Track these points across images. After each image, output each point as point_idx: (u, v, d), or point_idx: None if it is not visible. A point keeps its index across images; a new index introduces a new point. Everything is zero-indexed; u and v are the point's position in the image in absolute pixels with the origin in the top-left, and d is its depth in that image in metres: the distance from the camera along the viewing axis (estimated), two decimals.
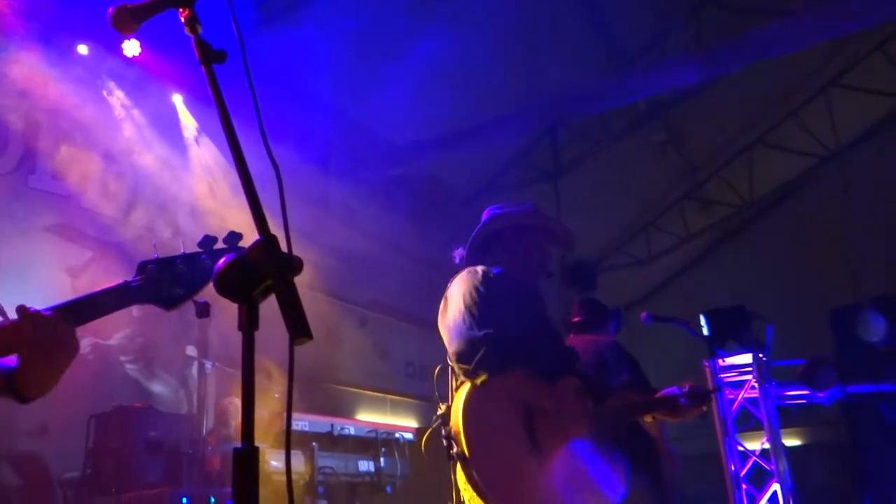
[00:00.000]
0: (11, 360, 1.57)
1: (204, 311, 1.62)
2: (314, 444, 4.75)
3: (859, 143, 8.76)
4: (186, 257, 1.58)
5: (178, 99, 5.80)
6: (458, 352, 2.53)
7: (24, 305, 1.51)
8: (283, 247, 1.19)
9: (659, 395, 2.89)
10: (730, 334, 4.35)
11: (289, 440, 1.18)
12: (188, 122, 5.80)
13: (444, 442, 2.46)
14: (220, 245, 1.59)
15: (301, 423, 4.73)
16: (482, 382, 2.48)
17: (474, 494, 2.42)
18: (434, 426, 2.56)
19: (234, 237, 1.57)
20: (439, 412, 2.55)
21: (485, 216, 2.93)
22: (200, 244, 1.58)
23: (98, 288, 1.58)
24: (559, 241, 2.97)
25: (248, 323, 1.15)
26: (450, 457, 2.44)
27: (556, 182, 7.63)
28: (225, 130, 1.25)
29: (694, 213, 10.29)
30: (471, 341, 2.50)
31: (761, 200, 9.73)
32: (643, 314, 3.71)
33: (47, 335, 1.50)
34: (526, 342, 2.59)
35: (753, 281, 8.15)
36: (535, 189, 8.24)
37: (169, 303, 1.58)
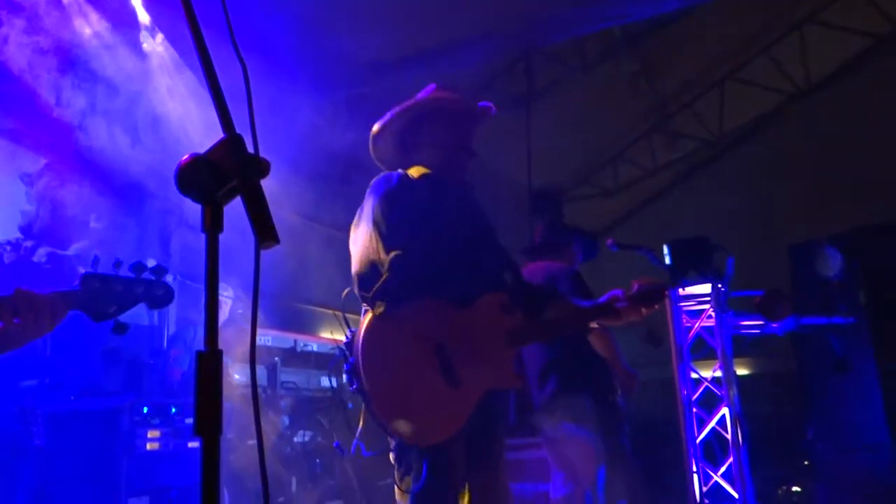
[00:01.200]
0: None
1: (121, 329, 1.77)
2: (276, 359, 4.77)
3: (829, 82, 8.80)
4: (123, 281, 1.77)
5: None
6: (359, 275, 2.31)
7: (22, 290, 1.63)
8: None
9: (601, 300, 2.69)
10: (691, 264, 4.40)
11: (253, 348, 1.16)
12: (144, 19, 5.53)
13: (346, 377, 2.26)
14: (146, 274, 1.78)
15: (264, 338, 4.75)
16: (382, 313, 2.24)
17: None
18: (332, 361, 2.39)
19: (161, 271, 1.81)
20: (345, 341, 2.32)
21: (388, 115, 2.62)
22: (132, 269, 1.78)
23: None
24: (470, 115, 2.63)
25: (212, 225, 1.11)
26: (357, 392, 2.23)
27: (527, 108, 7.52)
28: (187, 19, 1.18)
29: (662, 146, 10.31)
30: (373, 265, 2.28)
31: (729, 135, 9.78)
32: (608, 241, 3.71)
33: (46, 321, 1.65)
34: (439, 263, 2.37)
35: (718, 214, 8.26)
36: (505, 115, 8.13)
37: (100, 317, 1.76)
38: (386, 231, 2.32)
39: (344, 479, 4.69)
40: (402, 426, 2.17)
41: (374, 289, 2.25)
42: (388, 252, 2.26)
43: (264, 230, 1.08)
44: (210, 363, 1.08)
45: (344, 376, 2.32)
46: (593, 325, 2.89)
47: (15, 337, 1.68)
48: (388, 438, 2.28)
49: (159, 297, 1.81)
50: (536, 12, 7.06)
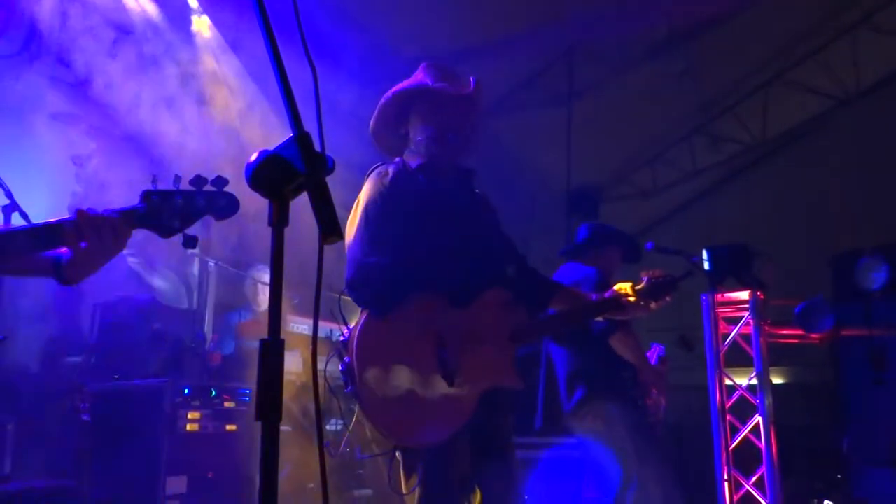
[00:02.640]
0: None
1: (191, 242, 1.78)
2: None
3: (880, 88, 8.59)
4: (183, 194, 1.75)
5: None
6: (350, 278, 2.23)
7: (83, 211, 1.67)
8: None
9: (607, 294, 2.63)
10: (731, 271, 4.37)
11: (315, 336, 1.20)
12: (193, 3, 5.63)
13: (342, 378, 2.21)
14: (208, 187, 1.77)
15: (301, 326, 4.81)
16: (376, 314, 2.20)
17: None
18: (328, 360, 2.25)
19: (221, 181, 1.77)
20: (341, 339, 2.25)
21: (379, 105, 2.51)
22: (192, 182, 1.76)
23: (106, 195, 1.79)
24: (457, 97, 2.47)
25: (279, 220, 1.15)
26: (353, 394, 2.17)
27: (569, 106, 7.47)
28: (261, 20, 1.22)
29: (703, 149, 10.17)
30: (362, 267, 2.21)
31: (773, 140, 9.62)
32: (647, 244, 3.68)
33: (110, 238, 1.67)
34: (436, 260, 2.29)
35: (757, 221, 8.15)
36: (548, 112, 8.11)
37: (166, 232, 1.76)
38: (376, 231, 2.25)
39: (374, 468, 4.75)
40: (401, 428, 2.14)
41: (365, 295, 2.20)
42: (377, 254, 2.20)
43: (330, 225, 1.12)
44: (273, 352, 1.12)
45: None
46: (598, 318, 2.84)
47: (85, 261, 1.73)
48: (388, 440, 2.22)
49: (222, 206, 1.78)
50: (579, 9, 7.02)
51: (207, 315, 4.71)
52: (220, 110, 5.46)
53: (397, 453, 2.25)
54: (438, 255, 2.30)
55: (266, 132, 5.30)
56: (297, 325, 4.76)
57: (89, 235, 1.65)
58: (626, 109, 8.57)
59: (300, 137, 1.14)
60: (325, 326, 5.21)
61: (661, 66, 8.43)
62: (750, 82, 9.23)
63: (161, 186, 1.76)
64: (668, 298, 2.67)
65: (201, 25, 5.64)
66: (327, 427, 4.63)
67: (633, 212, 10.39)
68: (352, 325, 2.25)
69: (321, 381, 1.64)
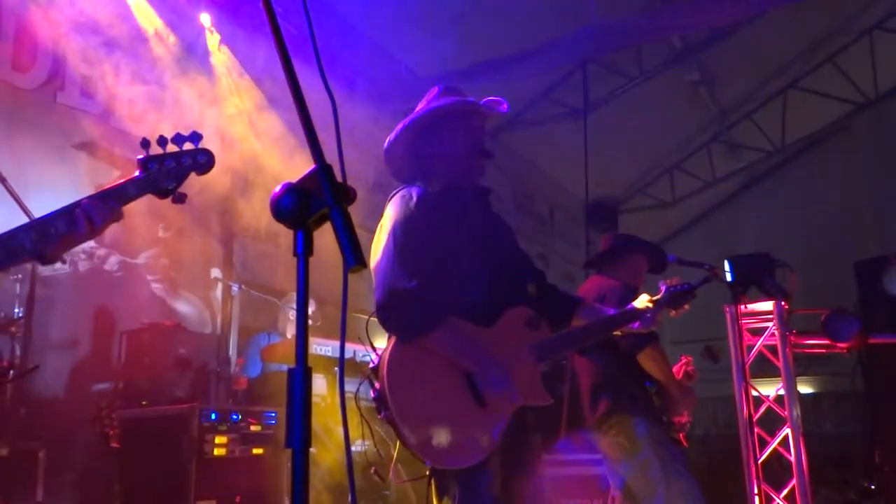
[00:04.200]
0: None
1: (181, 198, 1.97)
2: (336, 369, 4.86)
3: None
4: (172, 156, 1.94)
5: (205, 18, 5.71)
6: (383, 304, 2.19)
7: (86, 202, 1.82)
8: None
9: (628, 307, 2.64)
10: (754, 281, 4.33)
11: (342, 363, 1.22)
12: (214, 42, 5.73)
13: (375, 403, 2.17)
14: (186, 143, 1.94)
15: (324, 348, 4.83)
16: (406, 338, 2.18)
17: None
18: (360, 384, 2.21)
19: (196, 136, 1.95)
20: (371, 365, 2.22)
21: (397, 128, 2.48)
22: (174, 141, 1.93)
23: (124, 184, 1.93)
24: (478, 115, 2.49)
25: (304, 249, 1.18)
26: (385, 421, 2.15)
27: (585, 118, 7.48)
28: (280, 55, 1.24)
29: (721, 157, 10.14)
30: (395, 293, 2.18)
31: (791, 146, 9.57)
32: (670, 256, 3.66)
33: (108, 223, 1.85)
34: (461, 283, 2.29)
35: (778, 228, 8.09)
36: (564, 126, 8.13)
37: (164, 194, 1.93)
38: (408, 256, 2.22)
39: (401, 490, 4.74)
40: (435, 450, 2.13)
41: (399, 322, 2.19)
42: (408, 278, 2.18)
43: (354, 255, 1.14)
44: (301, 379, 1.14)
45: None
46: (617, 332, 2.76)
47: (72, 243, 1.89)
48: (423, 463, 2.20)
49: (203, 162, 1.97)
50: (593, 22, 7.05)
51: (232, 339, 4.76)
52: (240, 140, 5.54)
53: (431, 475, 2.25)
54: (465, 276, 2.31)
55: (286, 162, 5.36)
56: (321, 347, 4.77)
57: (95, 221, 1.80)
58: (643, 120, 8.57)
59: (322, 169, 1.16)
60: (348, 347, 5.24)
61: (676, 77, 8.45)
62: (767, 89, 9.20)
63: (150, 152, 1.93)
64: (686, 307, 2.68)
65: (220, 57, 5.74)
66: (354, 449, 4.63)
67: (653, 222, 10.37)
68: (379, 347, 2.26)
69: (349, 404, 1.64)
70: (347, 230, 1.14)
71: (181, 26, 5.54)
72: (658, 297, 2.66)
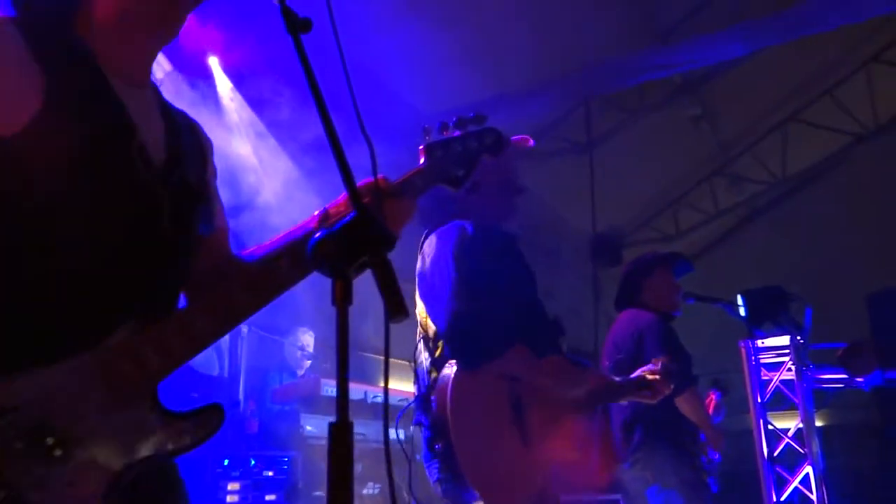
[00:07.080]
0: None
1: (475, 187, 1.97)
2: None
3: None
4: (458, 140, 1.68)
5: (214, 62, 5.75)
6: (451, 333, 2.19)
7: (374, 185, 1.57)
8: None
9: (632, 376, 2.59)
10: (768, 315, 4.30)
11: (387, 413, 1.18)
12: (224, 87, 5.76)
13: (423, 434, 2.17)
14: (471, 126, 1.70)
15: (334, 389, 4.77)
16: (469, 368, 2.15)
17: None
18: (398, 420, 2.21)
19: (481, 118, 1.70)
20: (418, 394, 2.22)
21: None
22: (455, 125, 1.69)
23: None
24: (510, 151, 2.57)
25: (343, 298, 1.15)
26: (431, 451, 2.13)
27: (591, 154, 7.52)
28: (316, 102, 1.23)
29: (724, 190, 10.16)
30: (463, 318, 2.17)
31: (794, 178, 9.59)
32: (689, 300, 3.62)
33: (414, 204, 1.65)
34: (519, 315, 2.29)
35: (783, 260, 8.06)
36: (568, 161, 8.16)
37: (454, 183, 1.68)
38: (471, 284, 2.21)
39: None
40: (496, 486, 2.10)
41: (472, 348, 2.16)
42: (471, 307, 2.17)
43: (395, 304, 1.11)
44: (342, 435, 1.10)
45: (412, 428, 2.23)
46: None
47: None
48: (481, 497, 2.18)
49: (492, 143, 1.70)
50: (596, 59, 7.12)
51: (241, 380, 4.70)
52: (252, 189, 5.53)
53: None
54: (516, 313, 2.29)
55: (302, 211, 5.35)
56: (332, 389, 4.72)
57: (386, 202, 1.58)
58: (645, 154, 8.61)
59: (363, 217, 1.14)
60: (358, 388, 5.17)
61: (677, 111, 8.51)
62: (766, 123, 9.26)
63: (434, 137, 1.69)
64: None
65: (231, 104, 5.77)
66: (364, 492, 4.55)
67: None
68: (399, 389, 2.24)
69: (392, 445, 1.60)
70: (389, 278, 1.12)
71: (189, 69, 5.57)
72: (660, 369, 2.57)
